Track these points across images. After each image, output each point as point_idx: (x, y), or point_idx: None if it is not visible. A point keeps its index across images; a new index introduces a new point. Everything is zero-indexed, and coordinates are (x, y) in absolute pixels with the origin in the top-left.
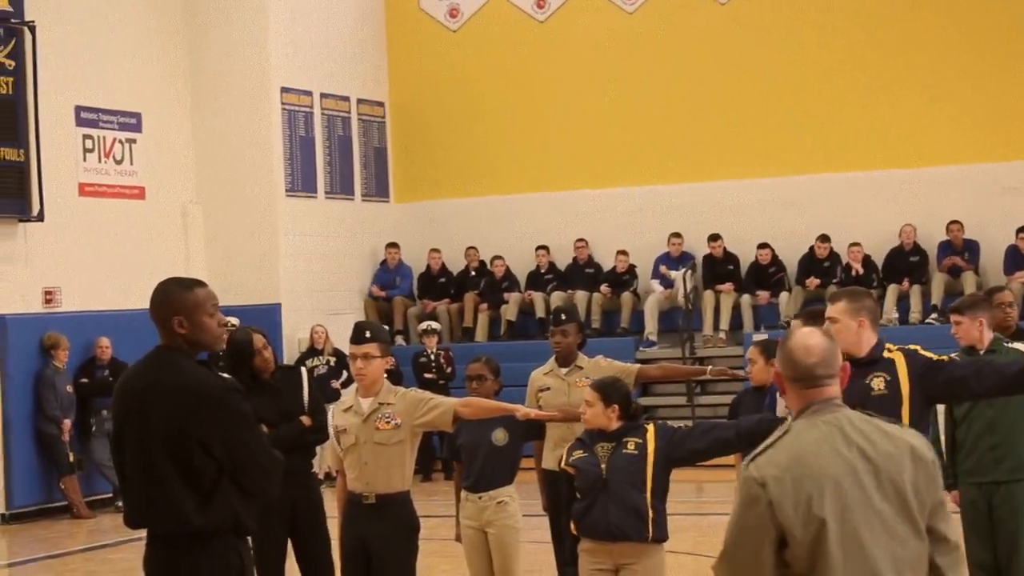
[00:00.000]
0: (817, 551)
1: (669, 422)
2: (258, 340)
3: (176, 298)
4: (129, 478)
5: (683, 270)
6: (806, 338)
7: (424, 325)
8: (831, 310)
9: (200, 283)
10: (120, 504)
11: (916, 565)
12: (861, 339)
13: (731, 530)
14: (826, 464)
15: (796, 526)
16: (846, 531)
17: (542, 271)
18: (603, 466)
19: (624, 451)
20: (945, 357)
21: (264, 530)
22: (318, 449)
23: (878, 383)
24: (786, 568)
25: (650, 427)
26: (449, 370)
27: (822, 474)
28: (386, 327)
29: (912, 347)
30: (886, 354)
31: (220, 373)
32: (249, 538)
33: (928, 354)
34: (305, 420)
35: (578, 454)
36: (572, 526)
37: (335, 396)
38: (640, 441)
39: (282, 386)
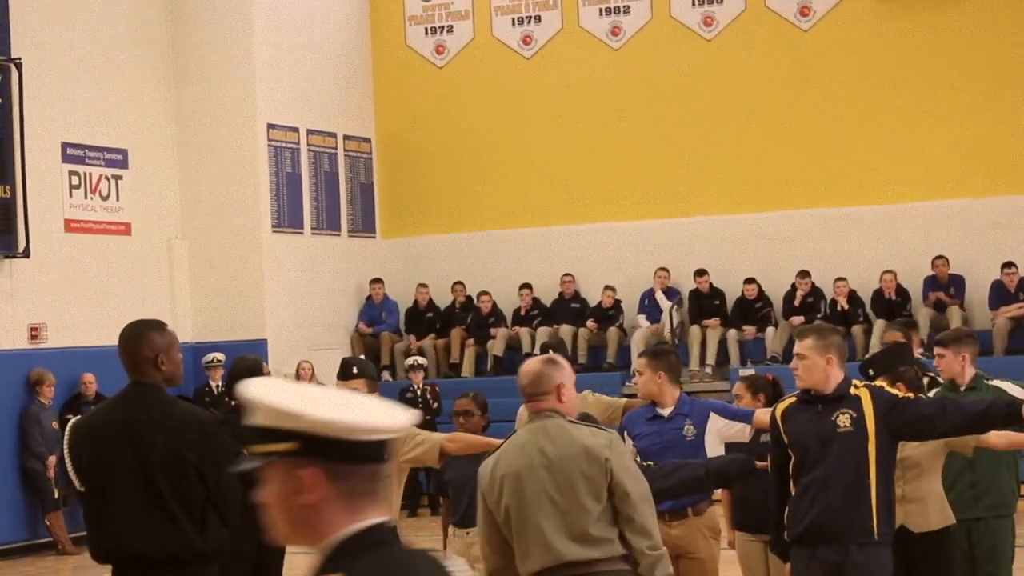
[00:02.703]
0: (507, 529)
1: (637, 459)
2: (265, 367)
3: (156, 337)
4: (119, 507)
5: (670, 305)
6: (526, 365)
7: (410, 360)
8: (799, 347)
9: (165, 324)
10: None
11: (586, 536)
12: (829, 376)
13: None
14: (513, 461)
15: (494, 510)
16: (522, 512)
17: (524, 312)
18: None
19: None
20: (911, 394)
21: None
22: None
23: (844, 420)
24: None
25: None
26: (436, 405)
27: (508, 469)
28: (372, 363)
29: (878, 384)
30: (852, 391)
31: (219, 398)
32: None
33: (894, 391)
34: None
35: None
36: None
37: None
38: None
39: None
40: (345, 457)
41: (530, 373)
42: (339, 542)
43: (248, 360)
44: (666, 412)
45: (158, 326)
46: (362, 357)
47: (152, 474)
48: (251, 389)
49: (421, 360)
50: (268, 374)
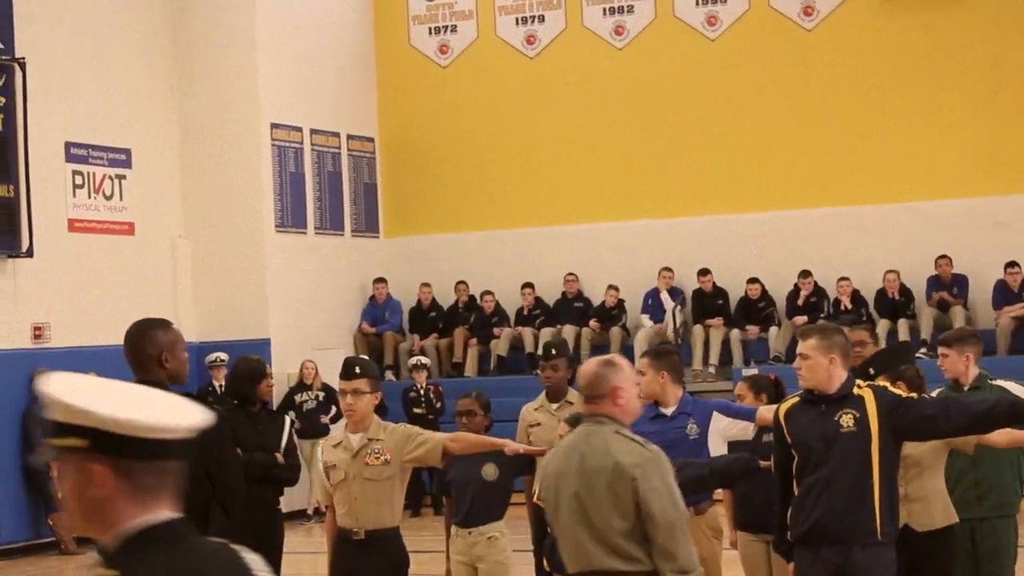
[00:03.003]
0: (553, 527)
1: None
2: (268, 367)
3: (160, 335)
4: None
5: (673, 304)
6: (584, 366)
7: (414, 360)
8: (802, 347)
9: (170, 322)
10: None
11: (616, 548)
12: (832, 376)
13: None
14: (559, 463)
15: (546, 505)
16: (560, 515)
17: (526, 312)
18: None
19: None
20: (914, 394)
21: None
22: (310, 485)
23: (847, 420)
24: None
25: None
26: (439, 405)
27: (553, 471)
28: (375, 362)
29: (881, 384)
30: (856, 391)
31: (222, 397)
32: None
33: (897, 391)
34: (278, 457)
35: None
36: (544, 561)
37: (324, 431)
38: None
39: (266, 422)
40: (133, 454)
41: (586, 375)
42: (124, 538)
43: (251, 360)
44: (669, 411)
45: (163, 324)
46: (365, 357)
47: None
48: (48, 385)
49: (424, 360)
50: (271, 374)
